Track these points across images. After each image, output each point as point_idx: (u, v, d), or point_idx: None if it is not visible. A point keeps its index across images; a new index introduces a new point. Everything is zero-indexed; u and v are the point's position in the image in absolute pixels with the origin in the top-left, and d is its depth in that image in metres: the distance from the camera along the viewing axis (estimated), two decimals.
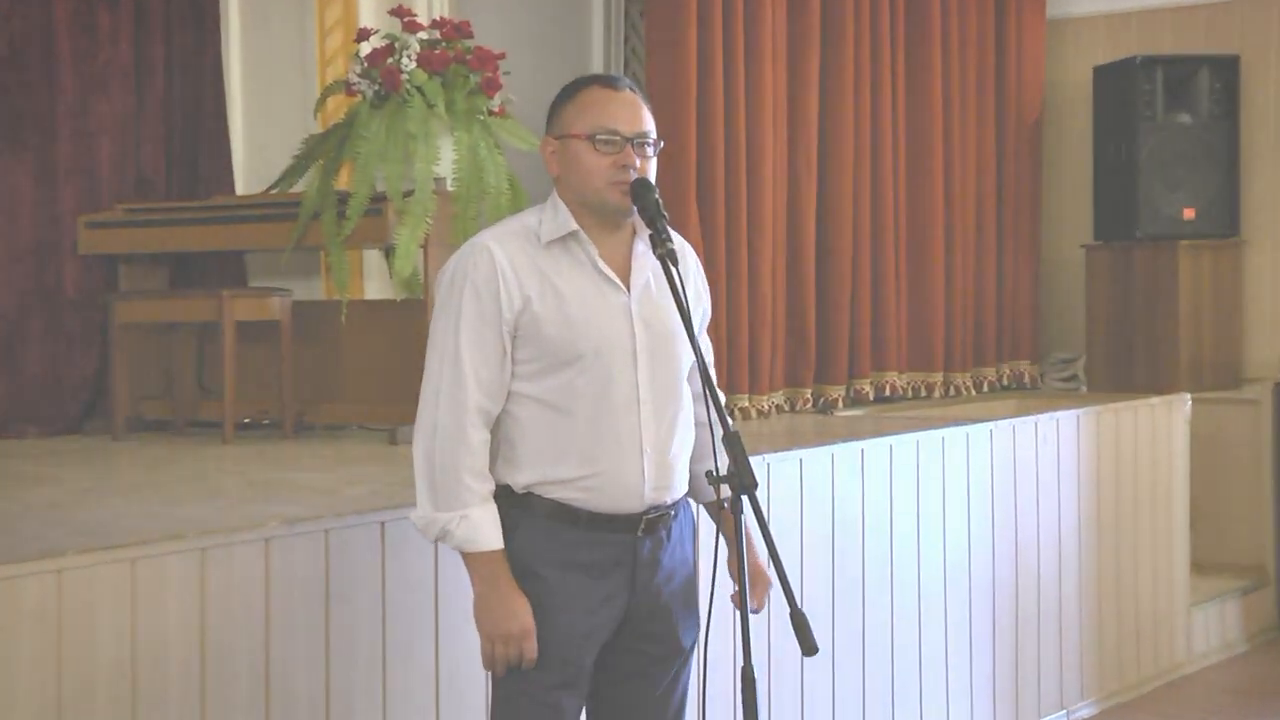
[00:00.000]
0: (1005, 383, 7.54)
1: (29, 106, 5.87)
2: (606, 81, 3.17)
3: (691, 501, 3.30)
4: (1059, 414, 6.06)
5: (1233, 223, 7.49)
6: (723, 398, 3.22)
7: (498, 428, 3.10)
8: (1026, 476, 5.81)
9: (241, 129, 6.40)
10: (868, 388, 6.74)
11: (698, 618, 3.24)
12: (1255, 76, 7.54)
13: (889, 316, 6.83)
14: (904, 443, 5.25)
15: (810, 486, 4.82)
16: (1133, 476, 6.41)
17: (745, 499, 2.87)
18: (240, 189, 6.31)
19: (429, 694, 3.66)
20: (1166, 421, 6.64)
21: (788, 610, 2.80)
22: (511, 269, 3.06)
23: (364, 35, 5.60)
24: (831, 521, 4.89)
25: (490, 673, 3.13)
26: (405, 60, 5.40)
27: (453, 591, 3.59)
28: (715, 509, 3.16)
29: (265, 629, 3.36)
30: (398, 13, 5.56)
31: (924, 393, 7.04)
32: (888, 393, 6.85)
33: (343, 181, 5.47)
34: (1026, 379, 7.64)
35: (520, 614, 3.04)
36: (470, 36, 5.56)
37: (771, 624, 3.49)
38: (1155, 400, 6.66)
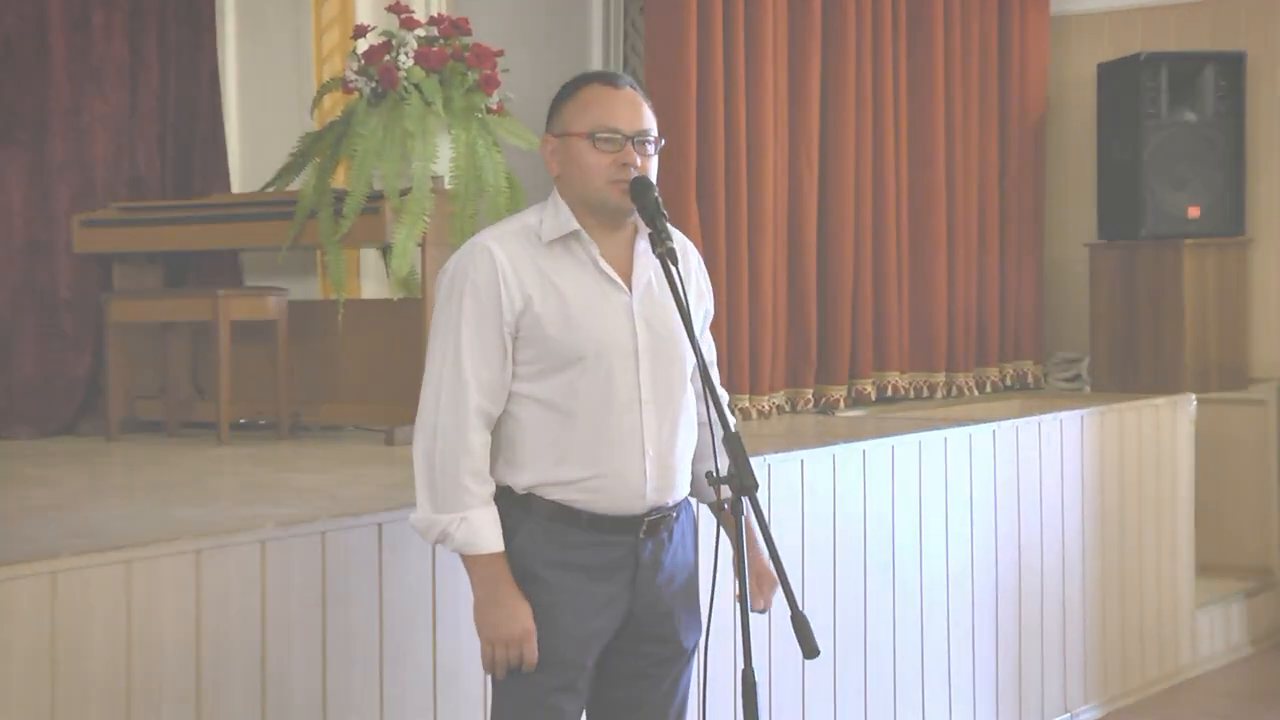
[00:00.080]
0: (1008, 383, 7.52)
1: (22, 104, 5.89)
2: (607, 79, 3.16)
3: (693, 501, 3.29)
4: (1062, 414, 6.05)
5: (1238, 221, 7.45)
6: (727, 397, 3.20)
7: (498, 429, 3.09)
8: (1030, 478, 5.80)
9: (237, 127, 6.42)
10: (869, 388, 6.72)
11: (700, 619, 3.22)
12: (1261, 73, 7.51)
13: (891, 316, 6.80)
14: (906, 444, 5.23)
15: (811, 488, 4.81)
16: (1137, 478, 6.39)
17: (746, 500, 2.85)
18: (236, 187, 6.33)
19: (427, 697, 3.65)
20: (1171, 422, 6.62)
21: (789, 613, 2.78)
22: (512, 269, 3.04)
23: (361, 32, 5.62)
24: (833, 523, 4.88)
25: (490, 675, 3.12)
26: (402, 57, 5.42)
27: (451, 594, 3.59)
28: (718, 510, 3.16)
29: (261, 632, 3.35)
30: (395, 9, 5.56)
31: (926, 393, 7.02)
32: (890, 393, 6.82)
33: (339, 180, 5.48)
34: (1030, 379, 7.62)
35: (521, 617, 3.03)
36: (468, 33, 5.58)
37: (772, 626, 3.47)
38: (1160, 401, 6.65)
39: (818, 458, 4.85)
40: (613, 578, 3.09)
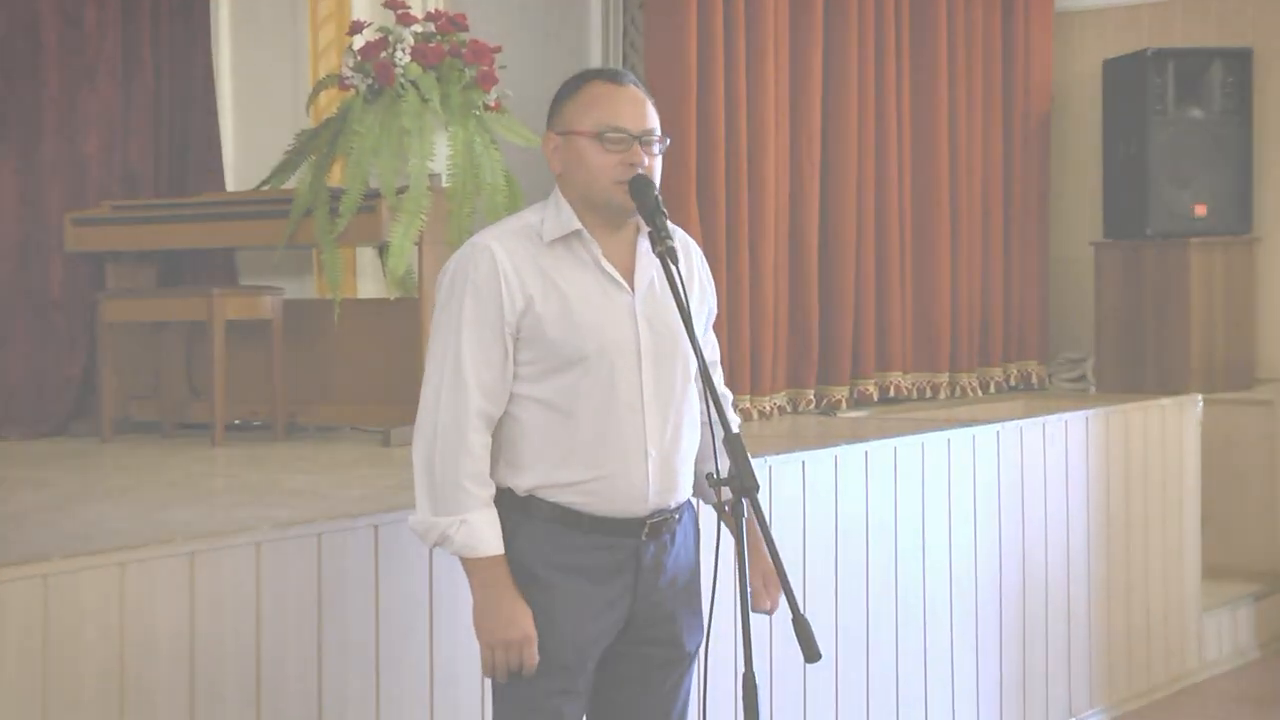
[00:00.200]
0: (1012, 383, 7.51)
1: (14, 102, 5.89)
2: (611, 76, 3.14)
3: (694, 502, 3.27)
4: (1067, 415, 6.03)
5: (1245, 219, 7.43)
6: (730, 397, 3.17)
7: (499, 430, 3.07)
8: (1034, 479, 5.79)
9: (232, 124, 6.43)
10: (872, 388, 6.71)
11: (701, 620, 3.20)
12: (1268, 70, 7.49)
13: (893, 316, 6.79)
14: (909, 444, 5.23)
15: (813, 489, 4.80)
16: (1143, 479, 6.38)
17: (746, 502, 2.84)
18: (230, 185, 6.34)
19: (423, 700, 3.64)
20: (1177, 423, 6.60)
21: (790, 616, 2.77)
22: (513, 269, 3.02)
23: (357, 28, 5.65)
24: (835, 525, 4.87)
25: (490, 679, 3.10)
26: (399, 54, 5.45)
27: (448, 596, 3.58)
28: (720, 511, 3.16)
29: (256, 634, 3.34)
30: (392, 5, 5.58)
31: (929, 393, 7.01)
32: (892, 393, 6.82)
33: (335, 178, 5.51)
34: (1034, 379, 7.61)
35: (521, 620, 3.01)
36: (465, 29, 5.62)
37: (774, 629, 3.46)
38: (1166, 401, 6.63)
39: (819, 459, 4.84)
40: (614, 581, 3.07)
